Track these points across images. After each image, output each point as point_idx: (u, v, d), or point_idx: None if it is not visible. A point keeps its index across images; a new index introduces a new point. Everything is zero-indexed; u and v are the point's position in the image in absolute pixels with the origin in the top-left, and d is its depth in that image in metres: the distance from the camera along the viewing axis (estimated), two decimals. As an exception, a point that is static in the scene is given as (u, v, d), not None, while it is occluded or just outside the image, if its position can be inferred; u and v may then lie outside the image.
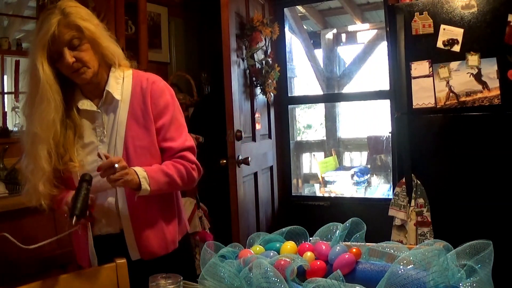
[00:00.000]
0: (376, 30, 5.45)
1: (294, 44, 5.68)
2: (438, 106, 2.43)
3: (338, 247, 1.04)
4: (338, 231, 1.14)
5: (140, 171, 1.29)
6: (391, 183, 3.64)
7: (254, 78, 3.01)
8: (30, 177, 1.29)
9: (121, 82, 1.39)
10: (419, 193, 2.44)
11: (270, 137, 3.38)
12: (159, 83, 1.42)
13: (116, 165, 1.22)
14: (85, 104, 1.37)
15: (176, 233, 1.46)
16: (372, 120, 6.11)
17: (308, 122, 7.43)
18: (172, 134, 1.40)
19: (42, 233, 2.03)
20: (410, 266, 0.85)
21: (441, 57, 2.41)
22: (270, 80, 3.08)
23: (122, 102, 1.38)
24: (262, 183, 3.14)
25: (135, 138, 1.36)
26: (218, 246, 1.15)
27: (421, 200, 2.43)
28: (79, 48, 1.28)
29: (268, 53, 3.17)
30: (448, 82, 2.40)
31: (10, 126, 2.67)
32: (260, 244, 1.17)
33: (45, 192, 1.29)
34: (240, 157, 2.59)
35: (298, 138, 6.25)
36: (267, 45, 3.16)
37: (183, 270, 1.14)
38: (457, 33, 2.37)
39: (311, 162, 5.97)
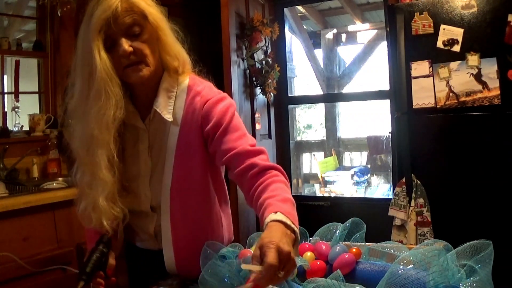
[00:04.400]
0: (376, 30, 5.45)
1: (294, 44, 5.68)
2: (438, 106, 2.42)
3: (338, 247, 1.04)
4: (338, 231, 1.14)
5: (275, 216, 0.89)
6: (391, 183, 3.64)
7: (254, 78, 3.01)
8: (88, 192, 1.07)
9: (173, 97, 1.13)
10: (419, 193, 2.44)
11: (270, 137, 3.38)
12: (212, 99, 1.13)
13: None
14: (132, 118, 1.12)
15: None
16: (372, 120, 6.11)
17: (308, 122, 7.43)
18: (230, 145, 1.09)
19: (42, 233, 2.04)
20: (410, 266, 0.85)
21: (441, 57, 2.41)
22: (270, 80, 3.08)
23: (173, 124, 1.12)
24: (262, 183, 3.13)
25: (184, 168, 1.13)
26: (218, 246, 1.15)
27: (421, 200, 2.43)
28: (140, 38, 1.04)
29: (268, 53, 3.17)
30: (448, 82, 2.40)
31: (10, 126, 2.67)
32: (260, 244, 1.16)
33: (107, 209, 1.06)
34: (240, 157, 2.59)
35: (298, 138, 6.25)
36: (267, 45, 3.16)
37: None
38: (457, 33, 2.37)
39: (311, 162, 5.97)
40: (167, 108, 1.12)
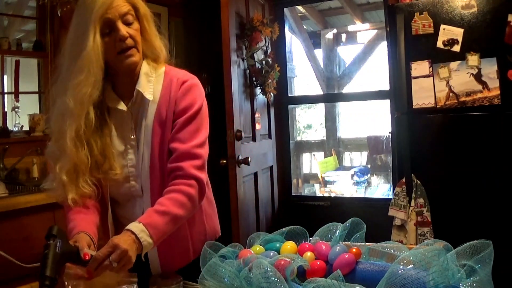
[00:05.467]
0: (376, 30, 5.45)
1: (294, 44, 5.69)
2: (438, 106, 2.43)
3: (338, 247, 1.04)
4: (338, 231, 1.14)
5: (135, 225, 1.07)
6: (391, 183, 3.64)
7: (254, 78, 3.01)
8: (53, 165, 1.15)
9: (152, 81, 1.26)
10: (419, 193, 2.44)
11: (270, 137, 3.38)
12: (188, 82, 1.27)
13: (111, 259, 0.99)
14: (115, 102, 1.24)
15: (202, 243, 1.23)
16: (372, 120, 6.11)
17: (308, 122, 7.43)
18: (183, 136, 1.21)
19: (42, 233, 2.04)
20: (410, 266, 0.85)
21: (441, 57, 2.41)
22: (270, 80, 3.08)
23: (152, 103, 1.24)
24: (262, 183, 3.14)
25: (161, 146, 1.23)
26: (218, 246, 1.15)
27: (421, 200, 2.43)
28: (132, 27, 1.18)
29: (268, 53, 3.17)
30: (448, 82, 2.40)
31: (10, 126, 2.67)
32: (260, 244, 1.16)
33: (70, 183, 1.14)
34: (240, 157, 2.59)
35: (298, 138, 6.25)
36: (267, 45, 3.16)
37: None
38: (457, 33, 2.37)
39: (311, 162, 5.97)
40: (148, 89, 1.24)
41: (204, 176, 1.23)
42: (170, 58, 1.34)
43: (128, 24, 1.17)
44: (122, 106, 1.24)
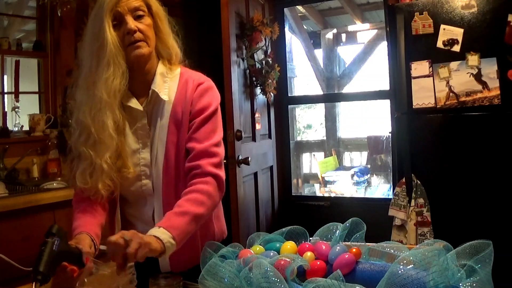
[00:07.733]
0: (376, 30, 5.45)
1: (294, 44, 5.68)
2: (438, 106, 2.43)
3: (338, 247, 1.04)
4: (338, 231, 1.14)
5: (155, 230, 1.06)
6: (391, 183, 3.64)
7: (254, 78, 3.01)
8: (92, 153, 1.16)
9: (168, 81, 1.27)
10: (419, 193, 2.44)
11: (270, 137, 3.38)
12: (205, 84, 1.29)
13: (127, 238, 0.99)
14: (131, 101, 1.24)
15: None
16: (372, 120, 6.11)
17: (308, 122, 7.43)
18: (200, 135, 1.23)
19: (42, 233, 2.04)
20: (410, 266, 0.85)
21: (441, 57, 2.41)
22: (270, 80, 3.08)
23: (167, 103, 1.25)
24: (262, 183, 3.14)
25: (176, 145, 1.24)
26: (218, 246, 1.15)
27: (421, 200, 2.43)
28: (143, 21, 1.20)
29: (268, 53, 3.17)
30: (448, 82, 2.40)
31: (10, 126, 2.67)
32: (260, 244, 1.16)
33: (108, 170, 1.17)
34: (240, 157, 2.59)
35: (298, 138, 6.25)
36: (267, 45, 3.16)
37: None
38: (457, 33, 2.37)
39: (311, 162, 5.97)
40: (164, 90, 1.25)
41: (222, 173, 1.24)
42: (185, 60, 1.35)
43: (138, 17, 1.19)
44: (137, 106, 1.24)
